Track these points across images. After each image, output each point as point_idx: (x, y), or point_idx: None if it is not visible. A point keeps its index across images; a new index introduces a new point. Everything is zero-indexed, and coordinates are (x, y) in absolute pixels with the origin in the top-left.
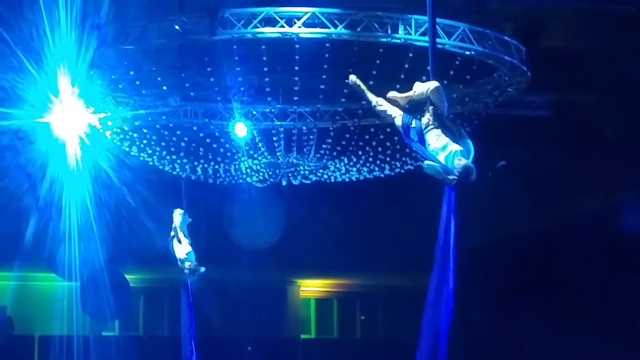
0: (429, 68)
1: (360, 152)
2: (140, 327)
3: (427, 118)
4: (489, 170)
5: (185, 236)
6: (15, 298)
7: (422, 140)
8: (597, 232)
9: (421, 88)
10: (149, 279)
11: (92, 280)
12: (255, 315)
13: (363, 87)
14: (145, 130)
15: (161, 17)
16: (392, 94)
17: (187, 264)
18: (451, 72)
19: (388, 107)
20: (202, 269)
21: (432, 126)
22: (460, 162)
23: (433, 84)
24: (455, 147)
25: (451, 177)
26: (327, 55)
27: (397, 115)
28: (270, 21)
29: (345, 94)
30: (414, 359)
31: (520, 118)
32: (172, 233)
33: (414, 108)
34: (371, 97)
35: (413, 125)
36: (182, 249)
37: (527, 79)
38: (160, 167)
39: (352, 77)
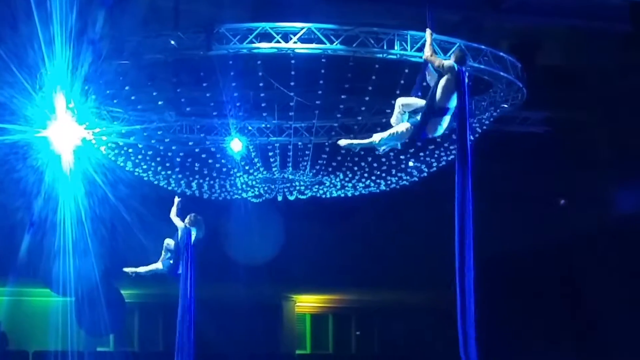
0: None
1: (355, 168)
2: (135, 342)
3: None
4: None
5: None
6: (9, 313)
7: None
8: (591, 249)
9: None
10: (144, 294)
11: (87, 296)
12: (251, 330)
13: (356, 142)
14: (140, 146)
15: (157, 32)
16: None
17: (187, 219)
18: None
19: (389, 132)
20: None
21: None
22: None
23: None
24: None
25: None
26: (322, 70)
27: (404, 130)
28: (266, 36)
29: (341, 110)
30: None
31: (516, 134)
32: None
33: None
34: (369, 140)
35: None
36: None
37: (522, 95)
38: (156, 182)
39: (342, 143)
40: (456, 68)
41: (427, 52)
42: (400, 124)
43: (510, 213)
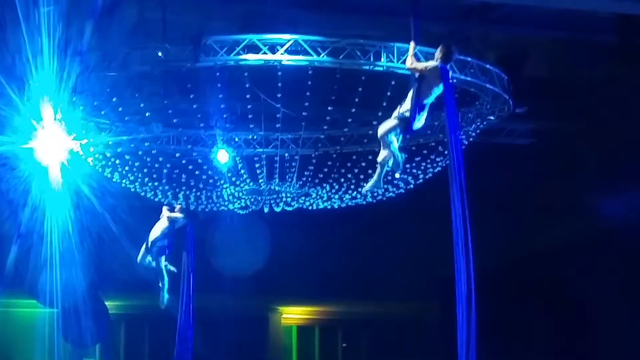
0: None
1: (342, 180)
2: (121, 354)
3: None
4: None
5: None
6: None
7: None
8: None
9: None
10: (130, 306)
11: (73, 307)
12: (237, 342)
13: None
14: (127, 157)
15: (144, 43)
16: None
17: (176, 208)
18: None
19: (377, 173)
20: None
21: None
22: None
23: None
24: None
25: None
26: (309, 82)
27: (394, 124)
28: (253, 48)
29: (328, 121)
30: None
31: (502, 146)
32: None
33: None
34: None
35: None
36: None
37: (509, 107)
38: (143, 194)
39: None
40: (439, 67)
41: (408, 61)
42: (381, 154)
43: (497, 225)
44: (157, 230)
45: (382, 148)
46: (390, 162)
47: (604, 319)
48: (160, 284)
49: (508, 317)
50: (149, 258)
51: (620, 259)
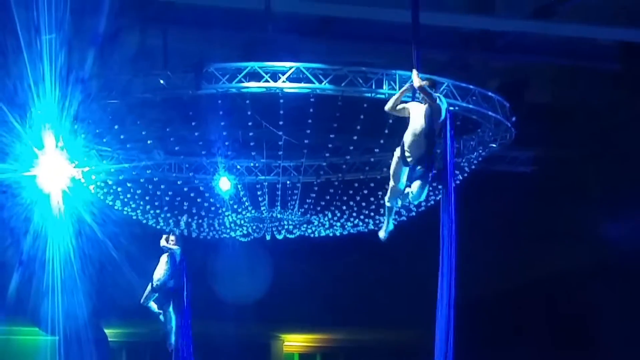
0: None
1: (344, 207)
2: None
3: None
4: None
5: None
6: None
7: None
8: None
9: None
10: (132, 333)
11: (75, 335)
12: None
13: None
14: (129, 184)
15: (146, 71)
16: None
17: (170, 239)
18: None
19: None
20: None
21: None
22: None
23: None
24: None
25: None
26: (311, 109)
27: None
28: (254, 76)
29: (330, 149)
30: None
31: (504, 173)
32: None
33: None
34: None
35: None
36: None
37: (511, 134)
38: (144, 221)
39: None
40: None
41: (416, 82)
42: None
43: (499, 252)
44: (160, 269)
45: (390, 190)
46: (399, 203)
47: (607, 344)
48: (164, 321)
49: (508, 345)
50: (153, 305)
51: (622, 285)
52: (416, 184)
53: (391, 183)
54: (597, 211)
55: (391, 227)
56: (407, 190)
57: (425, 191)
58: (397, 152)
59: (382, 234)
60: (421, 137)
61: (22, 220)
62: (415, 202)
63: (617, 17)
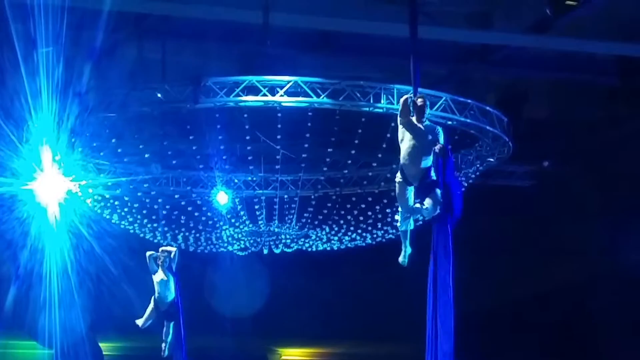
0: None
1: (341, 221)
2: None
3: None
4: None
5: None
6: None
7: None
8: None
9: None
10: (129, 347)
11: (71, 349)
12: None
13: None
14: (126, 198)
15: (143, 85)
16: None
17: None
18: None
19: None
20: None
21: None
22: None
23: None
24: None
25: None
26: (309, 123)
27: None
28: (252, 90)
29: (327, 163)
30: None
31: (502, 188)
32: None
33: None
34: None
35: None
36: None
37: (508, 149)
38: (142, 235)
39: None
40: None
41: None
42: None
43: (498, 267)
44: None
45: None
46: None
47: (607, 358)
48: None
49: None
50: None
51: (622, 299)
52: (429, 200)
53: (400, 208)
54: (595, 225)
55: (409, 250)
56: (419, 206)
57: (439, 205)
58: (398, 177)
59: (401, 259)
60: (414, 156)
61: (19, 234)
62: (430, 217)
63: (614, 31)
